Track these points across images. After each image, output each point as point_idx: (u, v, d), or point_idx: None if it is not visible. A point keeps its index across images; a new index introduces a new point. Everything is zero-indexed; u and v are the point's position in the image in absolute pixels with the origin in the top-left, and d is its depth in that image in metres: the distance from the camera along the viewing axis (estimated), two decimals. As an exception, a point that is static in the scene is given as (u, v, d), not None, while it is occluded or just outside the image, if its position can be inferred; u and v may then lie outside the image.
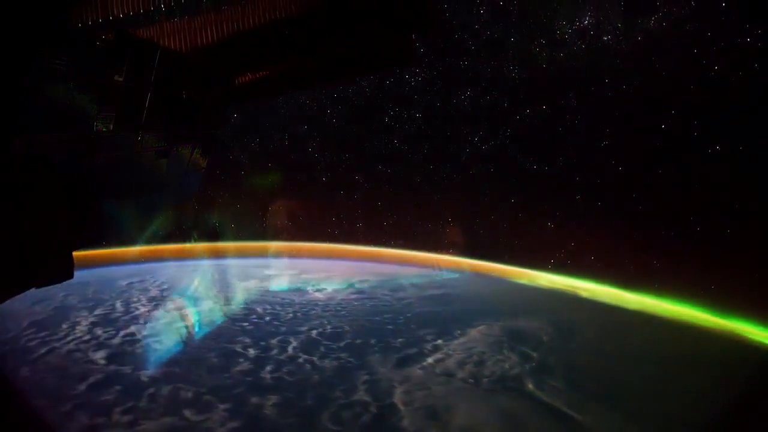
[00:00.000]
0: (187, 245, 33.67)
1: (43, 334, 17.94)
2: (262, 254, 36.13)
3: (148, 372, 15.34)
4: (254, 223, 36.47)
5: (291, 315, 22.07)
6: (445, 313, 23.66)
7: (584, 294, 30.26)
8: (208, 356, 16.65)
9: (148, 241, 29.74)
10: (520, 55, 31.02)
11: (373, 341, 18.75)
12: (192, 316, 21.42)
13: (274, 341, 18.29)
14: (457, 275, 35.51)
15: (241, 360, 16.43)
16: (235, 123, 32.88)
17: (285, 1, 5.90)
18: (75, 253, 4.79)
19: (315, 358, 16.77)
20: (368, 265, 36.72)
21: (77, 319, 19.94)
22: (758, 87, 25.14)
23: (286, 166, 36.30)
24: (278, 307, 23.33)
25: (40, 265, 4.32)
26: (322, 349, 17.73)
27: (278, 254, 36.36)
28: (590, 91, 30.65)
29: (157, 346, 17.57)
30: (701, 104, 27.39)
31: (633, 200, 30.98)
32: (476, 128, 34.85)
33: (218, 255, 34.31)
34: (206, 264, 33.20)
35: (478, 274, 35.06)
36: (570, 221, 33.26)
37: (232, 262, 34.51)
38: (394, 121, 35.60)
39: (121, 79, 4.96)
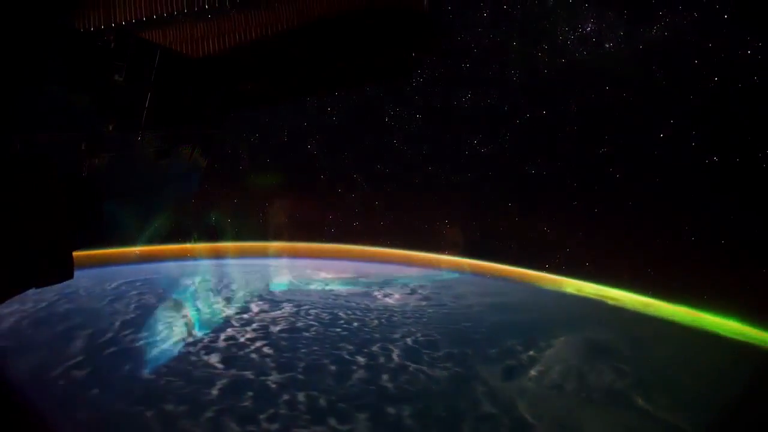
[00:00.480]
0: (188, 245, 33.72)
1: (144, 335, 18.33)
2: (264, 254, 36.19)
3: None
4: (254, 223, 36.48)
5: (376, 322, 22.22)
6: (517, 322, 23.73)
7: (611, 302, 30.30)
8: (322, 362, 16.87)
9: (149, 241, 29.78)
10: (522, 60, 31.07)
11: (469, 351, 18.73)
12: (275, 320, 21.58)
13: (375, 348, 18.43)
14: (457, 275, 35.57)
15: (354, 367, 16.59)
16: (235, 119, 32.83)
17: (288, 14, 5.90)
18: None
19: (425, 368, 16.86)
20: (380, 267, 36.57)
21: (168, 320, 20.48)
22: (757, 99, 25.23)
23: (285, 162, 36.29)
24: (358, 313, 23.49)
25: (40, 265, 4.31)
26: (425, 358, 17.81)
27: (279, 254, 36.40)
28: (590, 98, 30.72)
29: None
30: (700, 115, 27.52)
31: (629, 208, 31.20)
32: (476, 131, 34.96)
33: (221, 255, 34.35)
34: (261, 264, 33.53)
35: (506, 279, 34.61)
36: (566, 227, 33.48)
37: (281, 263, 34.58)
38: (394, 121, 35.70)
39: (121, 79, 4.96)
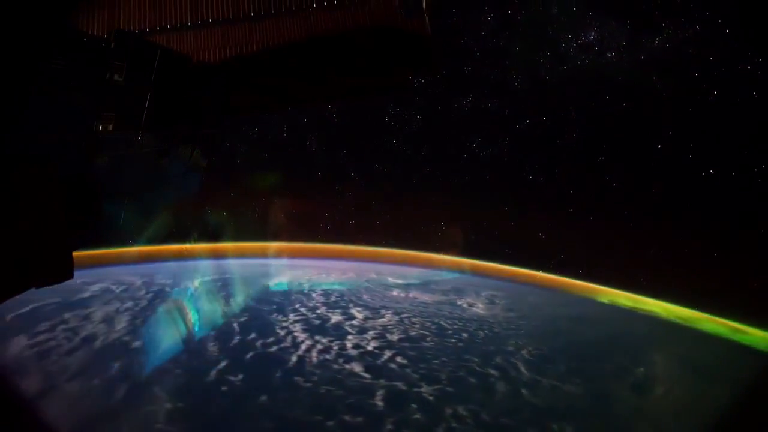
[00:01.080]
0: (187, 245, 33.65)
1: (270, 340, 18.75)
2: (264, 254, 36.08)
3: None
4: (250, 219, 36.21)
5: (482, 333, 22.17)
6: (605, 337, 23.76)
7: (641, 311, 30.90)
8: (460, 374, 16.94)
9: (149, 241, 29.76)
10: (524, 65, 30.85)
11: (587, 366, 18.51)
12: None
13: (498, 360, 18.41)
14: (457, 275, 35.61)
15: (492, 380, 16.65)
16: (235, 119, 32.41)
17: (292, 28, 5.87)
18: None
19: (557, 383, 16.72)
20: (380, 267, 36.60)
21: (282, 324, 20.95)
22: (756, 114, 25.19)
23: (283, 158, 36.08)
24: (458, 323, 23.60)
25: (40, 265, 4.29)
26: (550, 372, 17.63)
27: (278, 254, 36.32)
28: (590, 106, 30.76)
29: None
30: (698, 128, 27.56)
31: (624, 217, 31.41)
32: (475, 134, 34.98)
33: (219, 255, 34.25)
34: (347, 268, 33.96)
35: (535, 285, 35.07)
36: (561, 233, 33.66)
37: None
38: (394, 121, 35.65)
39: (121, 79, 4.95)
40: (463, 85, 32.80)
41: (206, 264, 31.70)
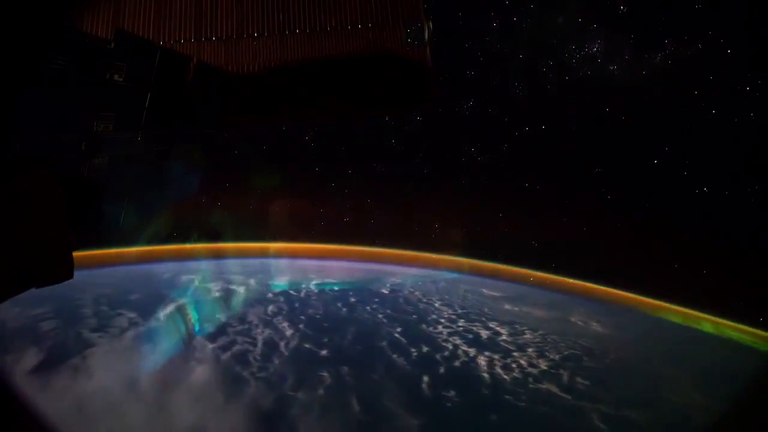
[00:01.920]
0: (188, 245, 33.56)
1: (445, 354, 19.37)
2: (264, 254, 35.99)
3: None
4: (252, 223, 36.01)
5: (624, 354, 22.43)
6: (712, 357, 24.18)
7: (709, 329, 30.72)
8: (648, 398, 17.20)
9: (149, 241, 29.67)
10: (526, 73, 30.62)
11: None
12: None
13: (669, 384, 18.83)
14: (455, 275, 35.68)
15: (686, 407, 16.89)
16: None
17: (297, 48, 5.85)
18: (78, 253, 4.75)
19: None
20: (379, 267, 37.12)
21: (439, 337, 21.47)
22: (753, 135, 25.23)
23: (281, 152, 35.82)
24: (593, 342, 23.97)
25: (40, 265, 4.27)
26: (714, 392, 17.52)
27: (277, 254, 36.26)
28: (590, 118, 30.67)
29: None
30: (695, 145, 27.62)
31: (617, 230, 31.57)
32: (474, 139, 34.99)
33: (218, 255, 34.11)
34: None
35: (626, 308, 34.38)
36: (554, 242, 33.79)
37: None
38: (394, 121, 35.53)
39: (121, 79, 4.94)
40: (465, 90, 32.78)
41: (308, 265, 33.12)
